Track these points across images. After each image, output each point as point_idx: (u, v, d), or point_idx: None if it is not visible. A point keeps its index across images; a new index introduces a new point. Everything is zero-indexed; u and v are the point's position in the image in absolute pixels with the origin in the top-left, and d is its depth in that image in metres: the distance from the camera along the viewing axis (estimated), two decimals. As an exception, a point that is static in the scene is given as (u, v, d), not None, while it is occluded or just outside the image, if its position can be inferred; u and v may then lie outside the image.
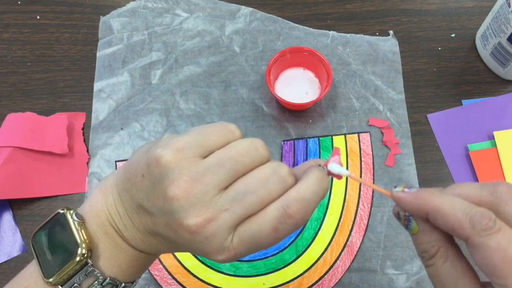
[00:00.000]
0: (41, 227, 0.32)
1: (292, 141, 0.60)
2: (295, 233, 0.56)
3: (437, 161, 0.59)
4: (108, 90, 0.64)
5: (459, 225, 0.25)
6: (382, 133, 0.61)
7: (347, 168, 0.59)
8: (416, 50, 0.66)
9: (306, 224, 0.56)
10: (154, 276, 0.54)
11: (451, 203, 0.26)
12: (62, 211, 0.31)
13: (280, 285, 0.54)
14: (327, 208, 0.57)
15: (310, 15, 0.69)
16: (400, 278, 0.53)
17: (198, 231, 0.27)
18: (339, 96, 0.63)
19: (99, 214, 0.31)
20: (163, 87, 0.64)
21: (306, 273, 0.54)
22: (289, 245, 0.55)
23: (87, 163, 0.60)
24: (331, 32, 0.67)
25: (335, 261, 0.54)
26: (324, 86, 0.59)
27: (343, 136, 0.60)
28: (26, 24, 0.69)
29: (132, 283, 0.33)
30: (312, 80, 0.62)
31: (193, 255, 0.54)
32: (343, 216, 0.56)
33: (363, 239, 0.55)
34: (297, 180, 0.29)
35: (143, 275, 0.54)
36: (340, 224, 0.56)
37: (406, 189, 0.28)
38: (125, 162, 0.34)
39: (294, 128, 0.61)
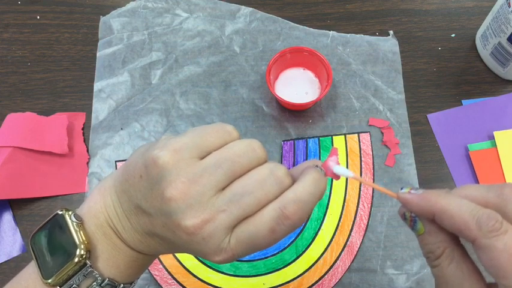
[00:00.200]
0: (40, 228, 0.32)
1: (292, 141, 0.60)
2: (295, 232, 0.56)
3: (437, 161, 0.59)
4: (108, 90, 0.64)
5: (466, 227, 0.25)
6: (382, 133, 0.61)
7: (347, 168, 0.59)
8: (416, 50, 0.66)
9: (306, 224, 0.56)
10: (154, 276, 0.54)
11: (457, 204, 0.26)
12: (60, 212, 0.31)
13: (280, 285, 0.54)
14: (327, 208, 0.57)
15: (310, 15, 0.69)
16: (400, 278, 0.53)
17: (195, 232, 0.27)
18: (339, 96, 0.63)
19: (97, 215, 0.31)
20: (163, 87, 0.64)
21: (306, 273, 0.54)
22: (289, 245, 0.55)
23: (87, 163, 0.60)
24: (331, 32, 0.67)
25: (335, 261, 0.54)
26: (324, 86, 0.59)
27: (343, 136, 0.60)
28: (26, 24, 0.69)
29: (131, 284, 0.33)
30: (312, 80, 0.62)
31: (194, 255, 0.54)
32: (343, 216, 0.56)
33: (363, 239, 0.55)
34: (294, 181, 0.29)
35: (143, 275, 0.54)
36: (340, 224, 0.56)
37: (412, 191, 0.28)
38: (124, 162, 0.34)
39: (294, 128, 0.61)
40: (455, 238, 0.28)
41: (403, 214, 0.29)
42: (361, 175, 0.58)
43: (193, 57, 0.66)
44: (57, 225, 0.31)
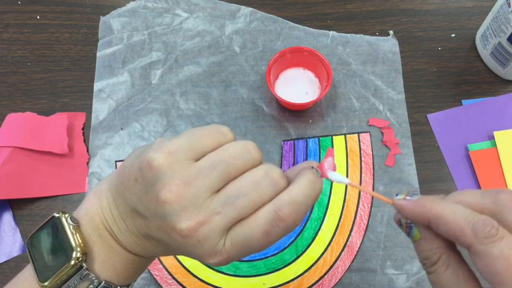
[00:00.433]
0: (36, 231, 0.32)
1: (292, 141, 0.60)
2: (295, 232, 0.56)
3: (437, 161, 0.59)
4: (108, 90, 0.64)
5: (461, 233, 0.25)
6: (382, 133, 0.61)
7: (347, 169, 0.59)
8: (416, 50, 0.66)
9: (306, 224, 0.56)
10: (154, 276, 0.54)
11: (453, 210, 0.26)
12: (57, 215, 0.31)
13: (280, 285, 0.54)
14: (327, 208, 0.57)
15: (310, 15, 0.69)
16: (400, 278, 0.53)
17: (190, 235, 0.27)
18: (339, 96, 0.63)
19: (93, 217, 0.31)
20: (163, 87, 0.64)
21: (306, 273, 0.54)
22: (289, 245, 0.55)
23: (87, 163, 0.60)
24: (331, 32, 0.67)
25: (335, 261, 0.54)
26: (324, 86, 0.59)
27: (343, 136, 0.60)
28: (26, 24, 0.69)
29: (128, 286, 0.33)
30: (312, 80, 0.62)
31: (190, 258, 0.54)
32: (343, 216, 0.56)
33: (363, 239, 0.55)
34: (289, 182, 0.29)
35: (143, 275, 0.54)
36: (340, 224, 0.56)
37: (407, 197, 0.28)
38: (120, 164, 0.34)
39: (294, 128, 0.61)
40: (451, 244, 0.28)
41: (399, 220, 0.29)
42: (361, 175, 0.58)
43: (193, 57, 0.66)
44: (53, 228, 0.31)
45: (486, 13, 0.64)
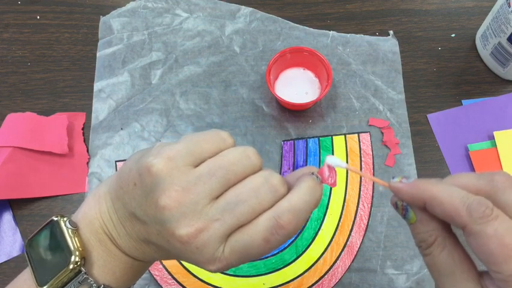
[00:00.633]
0: (35, 234, 0.32)
1: (292, 141, 0.60)
2: (295, 233, 0.56)
3: (437, 161, 0.59)
4: (108, 90, 0.64)
5: (456, 213, 0.25)
6: (382, 133, 0.61)
7: (347, 169, 0.58)
8: (416, 50, 0.66)
9: (306, 224, 0.56)
10: (154, 276, 0.54)
11: (448, 191, 0.26)
12: (55, 218, 0.31)
13: (280, 285, 0.54)
14: (327, 208, 0.57)
15: (310, 15, 0.69)
16: (400, 278, 0.53)
17: (189, 241, 0.27)
18: (339, 96, 0.63)
19: (92, 221, 0.31)
20: (163, 87, 0.64)
21: (306, 273, 0.54)
22: (289, 245, 0.55)
23: (87, 163, 0.60)
24: (331, 32, 0.67)
25: (335, 261, 0.54)
26: (324, 86, 0.59)
27: (343, 136, 0.60)
28: (26, 24, 0.69)
29: None
30: (312, 80, 0.62)
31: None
32: (343, 216, 0.56)
33: (363, 239, 0.55)
34: (289, 188, 0.29)
35: (143, 275, 0.54)
36: (340, 224, 0.56)
37: (403, 180, 0.28)
38: (121, 165, 0.33)
39: (294, 128, 0.61)
40: (447, 226, 0.28)
41: (395, 203, 0.29)
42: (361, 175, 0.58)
43: (193, 57, 0.66)
44: (52, 232, 0.31)
45: (486, 13, 0.64)
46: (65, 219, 0.31)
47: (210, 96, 0.63)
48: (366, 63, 0.65)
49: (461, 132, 0.60)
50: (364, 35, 0.67)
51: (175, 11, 0.69)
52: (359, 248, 0.55)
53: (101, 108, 0.63)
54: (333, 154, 0.59)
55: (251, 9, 0.68)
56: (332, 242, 0.55)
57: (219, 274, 0.54)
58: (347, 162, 0.59)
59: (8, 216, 0.57)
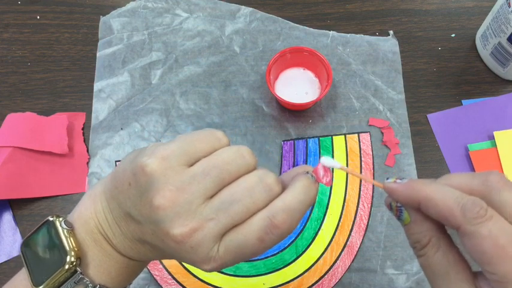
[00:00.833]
0: (30, 235, 0.32)
1: (292, 141, 0.60)
2: (295, 232, 0.56)
3: (437, 161, 0.59)
4: (108, 90, 0.64)
5: (450, 214, 0.25)
6: (382, 133, 0.61)
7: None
8: (416, 50, 0.66)
9: (306, 224, 0.56)
10: (154, 276, 0.54)
11: (442, 191, 0.26)
12: (51, 218, 0.31)
13: (280, 285, 0.54)
14: (327, 208, 0.57)
15: (310, 15, 0.69)
16: (400, 278, 0.53)
17: (183, 241, 0.27)
18: (339, 96, 0.63)
19: (88, 221, 0.31)
20: (163, 87, 0.64)
21: (306, 273, 0.54)
22: (289, 245, 0.55)
23: (87, 163, 0.60)
24: (331, 32, 0.67)
25: (335, 261, 0.54)
26: (324, 86, 0.59)
27: (343, 136, 0.60)
28: (26, 24, 0.69)
29: None
30: (312, 80, 0.62)
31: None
32: (343, 216, 0.56)
33: (363, 239, 0.55)
34: (284, 187, 0.29)
35: (143, 275, 0.54)
36: (340, 224, 0.56)
37: (398, 181, 0.28)
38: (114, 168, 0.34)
39: (294, 128, 0.61)
40: (441, 228, 0.28)
41: (389, 204, 0.29)
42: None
43: (193, 57, 0.66)
44: (47, 232, 0.31)
45: (486, 13, 0.64)
46: (61, 219, 0.31)
47: (210, 96, 0.63)
48: (366, 63, 0.65)
49: (461, 132, 0.60)
50: (364, 35, 0.67)
51: (175, 11, 0.69)
52: (359, 248, 0.55)
53: (101, 108, 0.63)
54: (333, 154, 0.59)
55: (251, 9, 0.68)
56: (332, 242, 0.55)
57: (218, 274, 0.54)
58: (347, 162, 0.59)
59: (8, 216, 0.57)
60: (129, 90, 0.64)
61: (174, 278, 0.54)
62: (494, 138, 0.59)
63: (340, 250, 0.55)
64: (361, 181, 0.58)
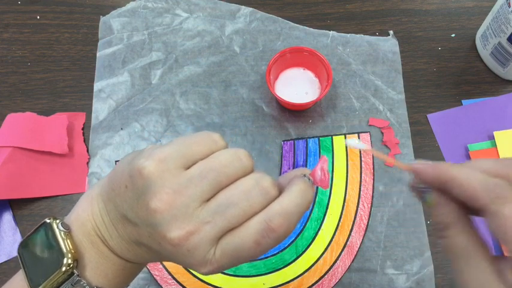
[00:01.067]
0: (27, 237, 0.32)
1: (292, 141, 0.60)
2: (295, 232, 0.56)
3: (437, 161, 0.59)
4: (108, 90, 0.64)
5: (475, 194, 0.26)
6: (382, 133, 0.61)
7: (347, 169, 0.59)
8: (416, 50, 0.66)
9: (306, 224, 0.56)
10: (154, 276, 0.54)
11: (467, 173, 0.27)
12: (48, 220, 0.31)
13: (280, 285, 0.54)
14: (327, 208, 0.57)
15: (310, 15, 0.69)
16: (400, 278, 0.53)
17: (180, 244, 0.27)
18: (339, 96, 0.63)
19: (85, 224, 0.31)
20: (163, 87, 0.64)
21: (306, 273, 0.54)
22: (289, 245, 0.55)
23: (87, 163, 0.60)
24: (331, 32, 0.67)
25: (335, 261, 0.54)
26: (324, 86, 0.59)
27: (343, 136, 0.60)
28: (26, 24, 0.69)
29: None
30: (312, 80, 0.62)
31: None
32: (343, 216, 0.56)
33: (363, 239, 0.55)
34: (281, 190, 0.29)
35: (143, 275, 0.54)
36: (340, 224, 0.56)
37: (423, 161, 0.30)
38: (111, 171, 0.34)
39: (294, 128, 0.61)
40: (464, 210, 0.29)
41: (414, 186, 0.30)
42: (361, 175, 0.58)
43: (193, 57, 0.66)
44: (44, 234, 0.31)
45: (486, 13, 0.64)
46: (58, 221, 0.31)
47: (210, 96, 0.63)
48: (366, 63, 0.65)
49: (461, 132, 0.60)
50: (364, 35, 0.67)
51: (175, 11, 0.69)
52: (359, 248, 0.55)
53: (101, 108, 0.63)
54: (333, 154, 0.59)
55: (251, 9, 0.68)
56: (332, 242, 0.55)
57: (219, 274, 0.54)
58: (347, 162, 0.59)
59: (8, 216, 0.57)
60: (129, 90, 0.64)
61: (174, 278, 0.54)
62: (494, 138, 0.59)
63: (340, 250, 0.55)
64: (361, 181, 0.58)
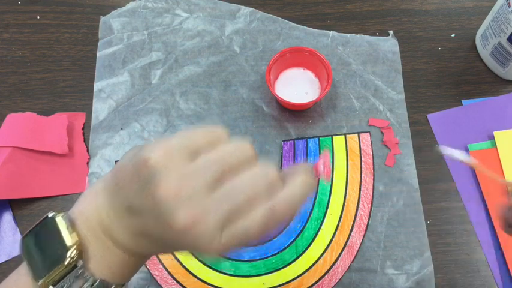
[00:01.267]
0: (31, 230, 0.32)
1: (292, 141, 0.60)
2: (295, 232, 0.56)
3: (437, 161, 0.59)
4: (108, 90, 0.64)
5: None
6: (382, 133, 0.61)
7: (347, 169, 0.59)
8: (416, 50, 0.66)
9: (306, 224, 0.56)
10: (155, 276, 0.54)
11: None
12: (50, 214, 0.31)
13: (280, 285, 0.54)
14: (327, 208, 0.57)
15: (310, 15, 0.69)
16: (400, 278, 0.53)
17: (186, 231, 0.27)
18: (339, 96, 0.63)
19: (89, 218, 0.31)
20: (163, 87, 0.64)
21: (306, 273, 0.54)
22: (289, 245, 0.55)
23: (87, 163, 0.60)
24: (331, 32, 0.67)
25: (335, 261, 0.54)
26: (324, 86, 0.59)
27: (343, 136, 0.60)
28: (26, 24, 0.69)
29: (122, 285, 0.33)
30: (312, 80, 0.62)
31: (193, 254, 0.54)
32: (343, 216, 0.56)
33: (363, 239, 0.55)
34: (284, 182, 0.30)
35: (143, 275, 0.54)
36: (340, 224, 0.56)
37: None
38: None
39: (294, 128, 0.61)
40: None
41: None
42: (361, 175, 0.58)
43: (193, 57, 0.66)
44: (48, 227, 0.31)
45: (486, 13, 0.64)
46: (62, 214, 0.31)
47: (210, 96, 0.63)
48: (366, 63, 0.65)
49: (461, 132, 0.60)
50: (364, 35, 0.67)
51: (175, 11, 0.69)
52: (359, 248, 0.55)
53: (101, 108, 0.63)
54: (333, 154, 0.59)
55: (251, 9, 0.68)
56: (332, 242, 0.55)
57: (219, 274, 0.54)
58: (347, 162, 0.59)
59: (8, 216, 0.57)
60: (129, 90, 0.64)
61: (174, 278, 0.54)
62: (494, 138, 0.59)
63: (340, 250, 0.55)
64: (361, 181, 0.58)
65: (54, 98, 0.64)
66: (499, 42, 0.60)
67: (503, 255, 0.53)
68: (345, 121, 0.61)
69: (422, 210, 0.56)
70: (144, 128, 0.61)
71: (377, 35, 0.67)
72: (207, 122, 0.62)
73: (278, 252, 0.55)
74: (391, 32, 0.67)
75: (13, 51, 0.67)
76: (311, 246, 0.55)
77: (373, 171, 0.58)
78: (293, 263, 0.54)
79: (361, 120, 0.61)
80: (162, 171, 0.27)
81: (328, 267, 0.54)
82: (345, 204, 0.57)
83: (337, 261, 0.54)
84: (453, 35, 0.68)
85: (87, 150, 0.60)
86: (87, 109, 0.63)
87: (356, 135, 0.60)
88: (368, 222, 0.56)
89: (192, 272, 0.54)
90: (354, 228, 0.56)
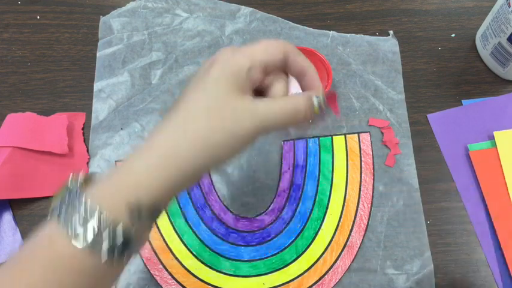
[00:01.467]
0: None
1: (292, 141, 0.60)
2: (295, 232, 0.56)
3: (437, 161, 0.59)
4: (108, 90, 0.64)
5: None
6: (382, 133, 0.61)
7: (347, 169, 0.59)
8: (416, 50, 0.66)
9: (306, 224, 0.56)
10: (155, 276, 0.54)
11: None
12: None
13: (280, 285, 0.54)
14: (327, 208, 0.57)
15: (310, 15, 0.69)
16: (400, 278, 0.53)
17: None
18: (338, 96, 0.63)
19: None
20: (163, 87, 0.64)
21: (306, 273, 0.54)
22: (289, 245, 0.55)
23: (87, 163, 0.60)
24: (331, 32, 0.67)
25: (335, 261, 0.54)
26: (324, 86, 0.59)
27: (343, 136, 0.60)
28: (26, 24, 0.69)
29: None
30: (312, 80, 0.62)
31: (193, 254, 0.54)
32: (343, 216, 0.56)
33: (363, 239, 0.55)
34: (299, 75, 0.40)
35: (143, 275, 0.54)
36: (340, 224, 0.56)
37: None
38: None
39: (294, 128, 0.61)
40: None
41: None
42: (361, 175, 0.58)
43: (193, 57, 0.66)
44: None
45: (486, 13, 0.64)
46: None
47: (210, 96, 0.63)
48: (366, 63, 0.65)
49: (461, 132, 0.60)
50: (364, 35, 0.67)
51: (175, 11, 0.69)
52: (359, 248, 0.55)
53: (101, 108, 0.63)
54: (333, 154, 0.59)
55: (251, 9, 0.68)
56: (332, 242, 0.55)
57: (219, 274, 0.54)
58: (347, 162, 0.59)
59: (8, 216, 0.57)
60: (129, 90, 0.64)
61: (174, 278, 0.54)
62: (494, 138, 0.59)
63: (340, 250, 0.55)
64: (361, 181, 0.58)
65: (54, 98, 0.64)
66: (499, 42, 0.60)
67: (503, 255, 0.53)
68: (345, 121, 0.61)
69: (422, 210, 0.56)
70: (144, 128, 0.61)
71: (377, 35, 0.67)
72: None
73: (278, 252, 0.55)
74: (391, 32, 0.67)
75: (13, 51, 0.67)
76: (311, 246, 0.55)
77: (373, 171, 0.58)
78: (293, 263, 0.54)
79: (361, 120, 0.61)
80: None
81: (328, 267, 0.54)
82: (345, 204, 0.57)
83: (337, 261, 0.54)
84: (453, 35, 0.68)
85: (87, 150, 0.60)
86: (87, 109, 0.63)
87: (356, 135, 0.60)
88: (368, 222, 0.56)
89: (192, 272, 0.54)
90: (354, 228, 0.56)
